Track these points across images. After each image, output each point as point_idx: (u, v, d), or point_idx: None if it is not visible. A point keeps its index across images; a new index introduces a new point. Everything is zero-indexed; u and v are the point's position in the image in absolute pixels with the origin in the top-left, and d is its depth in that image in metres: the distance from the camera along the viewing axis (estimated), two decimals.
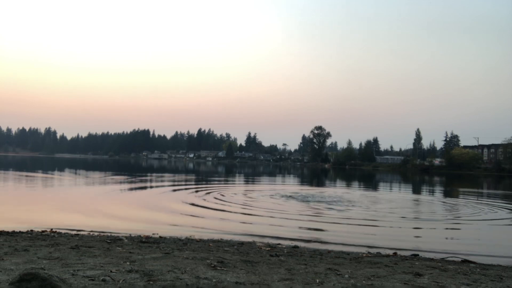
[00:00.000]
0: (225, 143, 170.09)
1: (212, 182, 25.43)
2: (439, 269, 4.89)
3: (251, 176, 38.22)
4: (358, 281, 3.93)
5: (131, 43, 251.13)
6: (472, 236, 8.72)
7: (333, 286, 3.70)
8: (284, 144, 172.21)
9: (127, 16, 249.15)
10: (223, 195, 15.37)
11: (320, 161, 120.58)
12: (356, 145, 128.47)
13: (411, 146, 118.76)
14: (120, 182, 21.96)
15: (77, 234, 6.92)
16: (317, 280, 3.89)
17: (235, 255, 5.25)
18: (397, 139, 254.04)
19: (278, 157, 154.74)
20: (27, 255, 4.64)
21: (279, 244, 6.78)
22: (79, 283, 3.28)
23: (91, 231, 7.51)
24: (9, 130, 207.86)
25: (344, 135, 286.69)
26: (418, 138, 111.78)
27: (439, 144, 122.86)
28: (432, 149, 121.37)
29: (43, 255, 4.62)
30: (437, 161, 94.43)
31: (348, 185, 29.70)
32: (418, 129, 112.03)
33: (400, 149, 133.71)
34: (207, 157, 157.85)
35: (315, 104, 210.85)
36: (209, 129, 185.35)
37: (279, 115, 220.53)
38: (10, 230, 6.94)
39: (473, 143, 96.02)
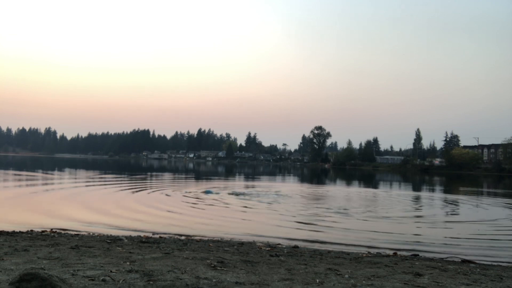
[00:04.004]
0: (225, 143, 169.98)
1: (211, 181, 25.47)
2: (439, 269, 4.89)
3: (251, 176, 38.24)
4: (358, 281, 3.93)
5: (131, 43, 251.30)
6: (472, 236, 8.72)
7: (333, 286, 3.70)
8: (284, 144, 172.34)
9: (126, 16, 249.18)
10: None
11: (320, 161, 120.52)
12: (356, 145, 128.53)
13: (411, 146, 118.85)
14: (120, 182, 21.96)
15: (77, 234, 6.92)
16: (317, 280, 3.89)
17: (235, 255, 5.25)
18: (397, 139, 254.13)
19: (278, 157, 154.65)
20: (27, 255, 4.63)
21: (279, 244, 6.79)
22: (79, 283, 3.28)
23: (91, 231, 7.52)
24: (9, 130, 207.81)
25: (344, 135, 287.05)
26: (418, 138, 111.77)
27: (439, 144, 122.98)
28: (432, 149, 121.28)
29: (43, 255, 4.62)
30: (437, 161, 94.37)
31: (348, 184, 29.71)
32: (418, 129, 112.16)
33: (400, 149, 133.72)
34: (207, 157, 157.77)
35: (315, 104, 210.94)
36: (209, 129, 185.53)
37: (279, 115, 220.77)
38: (10, 230, 6.95)
39: (473, 143, 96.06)
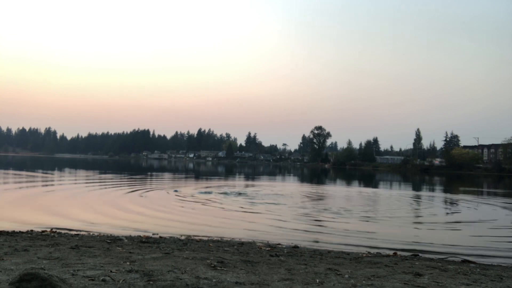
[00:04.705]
0: (225, 143, 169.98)
1: (211, 181, 25.47)
2: (439, 269, 4.89)
3: (251, 176, 38.25)
4: (358, 281, 3.93)
5: (130, 43, 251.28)
6: (472, 236, 8.72)
7: (333, 286, 3.70)
8: (284, 144, 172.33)
9: (126, 16, 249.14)
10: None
11: (320, 161, 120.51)
12: (356, 145, 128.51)
13: (411, 146, 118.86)
14: (119, 182, 21.96)
15: (77, 234, 6.92)
16: (317, 280, 3.89)
17: (235, 255, 5.25)
18: (397, 139, 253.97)
19: (278, 157, 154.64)
20: (27, 255, 4.63)
21: (279, 244, 6.79)
22: (79, 283, 3.28)
23: (91, 231, 7.52)
24: (9, 130, 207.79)
25: (344, 135, 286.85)
26: (418, 138, 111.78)
27: (439, 144, 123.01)
28: (432, 149, 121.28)
29: (43, 255, 4.62)
30: (437, 161, 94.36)
31: (348, 184, 29.70)
32: (418, 129, 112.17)
33: (400, 149, 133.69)
34: (207, 157, 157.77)
35: (315, 104, 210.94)
36: (209, 129, 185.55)
37: (279, 115, 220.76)
38: (10, 230, 6.95)
39: (473, 143, 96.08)
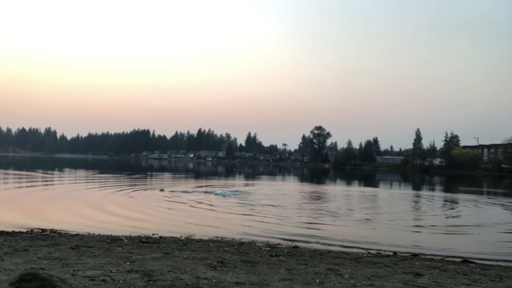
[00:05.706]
0: (225, 143, 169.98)
1: (211, 181, 25.48)
2: (439, 269, 4.89)
3: (251, 176, 38.25)
4: (358, 281, 3.93)
5: (130, 43, 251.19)
6: (472, 236, 8.72)
7: (333, 286, 3.70)
8: (284, 144, 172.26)
9: (126, 16, 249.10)
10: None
11: (320, 161, 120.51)
12: (356, 145, 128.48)
13: (411, 146, 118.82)
14: (119, 182, 21.95)
15: (77, 234, 6.92)
16: (317, 280, 3.89)
17: (235, 255, 5.25)
18: (397, 139, 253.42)
19: (278, 157, 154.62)
20: (27, 255, 4.63)
21: (279, 244, 6.79)
22: (79, 283, 3.28)
23: (91, 231, 7.51)
24: (9, 130, 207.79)
25: (344, 135, 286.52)
26: (418, 138, 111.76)
27: (439, 144, 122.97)
28: (432, 149, 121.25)
29: (43, 255, 4.62)
30: (437, 161, 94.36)
31: (348, 184, 29.70)
32: (418, 129, 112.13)
33: (400, 149, 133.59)
34: (207, 157, 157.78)
35: (315, 104, 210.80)
36: (209, 129, 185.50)
37: (279, 115, 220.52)
38: (10, 230, 6.95)
39: (473, 143, 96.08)
